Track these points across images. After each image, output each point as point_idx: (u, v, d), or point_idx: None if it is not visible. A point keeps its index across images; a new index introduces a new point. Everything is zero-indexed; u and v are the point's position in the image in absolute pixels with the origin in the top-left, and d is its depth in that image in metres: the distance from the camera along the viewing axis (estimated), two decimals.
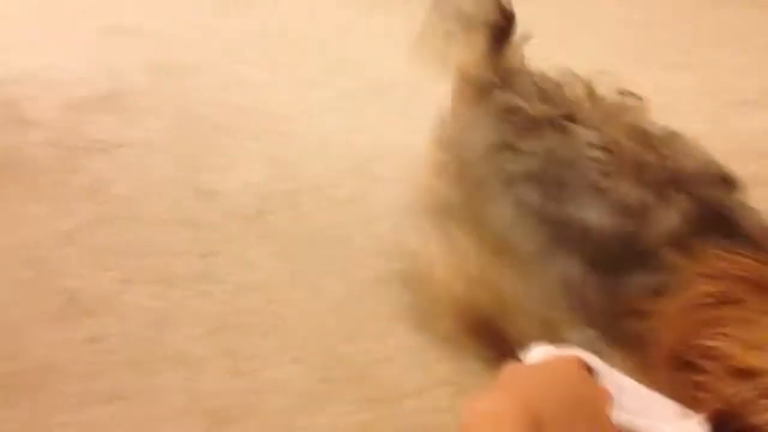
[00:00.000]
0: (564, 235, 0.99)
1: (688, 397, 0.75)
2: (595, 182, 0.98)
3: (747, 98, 1.76)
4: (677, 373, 0.82)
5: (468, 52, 1.16)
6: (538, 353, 0.80)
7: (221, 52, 1.85)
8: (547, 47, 1.11)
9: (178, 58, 1.72)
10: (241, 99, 1.69)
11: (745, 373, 0.77)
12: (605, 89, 1.06)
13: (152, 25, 2.00)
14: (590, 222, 0.96)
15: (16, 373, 1.20)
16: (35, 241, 1.38)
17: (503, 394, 0.75)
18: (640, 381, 0.75)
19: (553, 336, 0.89)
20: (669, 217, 0.93)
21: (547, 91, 1.08)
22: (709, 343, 0.81)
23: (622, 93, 1.06)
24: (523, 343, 0.79)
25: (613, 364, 0.75)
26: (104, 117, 1.59)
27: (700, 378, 0.80)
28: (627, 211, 0.95)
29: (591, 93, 1.07)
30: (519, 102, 1.08)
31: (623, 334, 0.91)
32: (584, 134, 1.01)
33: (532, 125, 1.05)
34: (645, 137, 1.00)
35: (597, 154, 0.99)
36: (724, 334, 0.80)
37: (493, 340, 1.11)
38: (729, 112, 1.73)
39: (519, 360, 0.80)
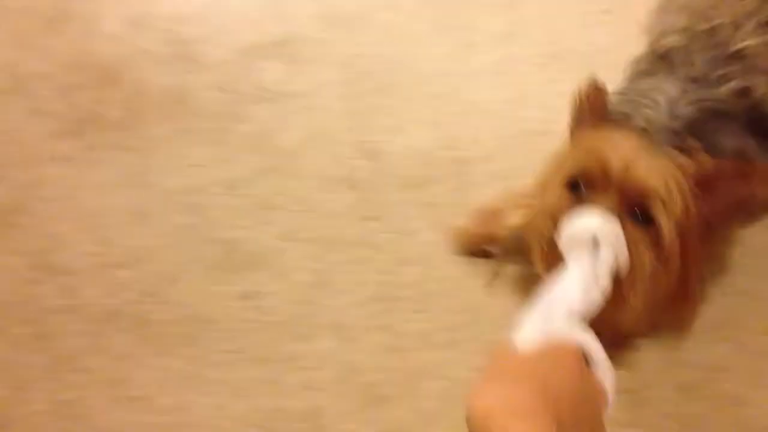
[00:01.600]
0: None
1: None
2: None
3: None
4: None
5: None
6: (531, 336, 0.76)
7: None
8: None
9: (349, 7, 1.64)
10: (403, 54, 1.59)
11: None
12: None
13: None
14: None
15: (170, 322, 1.18)
16: (197, 187, 1.35)
17: (516, 384, 0.69)
18: None
19: None
20: None
21: None
22: None
23: None
24: None
25: None
26: (273, 64, 1.53)
27: None
28: None
29: None
30: None
31: None
32: None
33: None
34: None
35: None
36: None
37: None
38: None
39: (508, 342, 0.76)
